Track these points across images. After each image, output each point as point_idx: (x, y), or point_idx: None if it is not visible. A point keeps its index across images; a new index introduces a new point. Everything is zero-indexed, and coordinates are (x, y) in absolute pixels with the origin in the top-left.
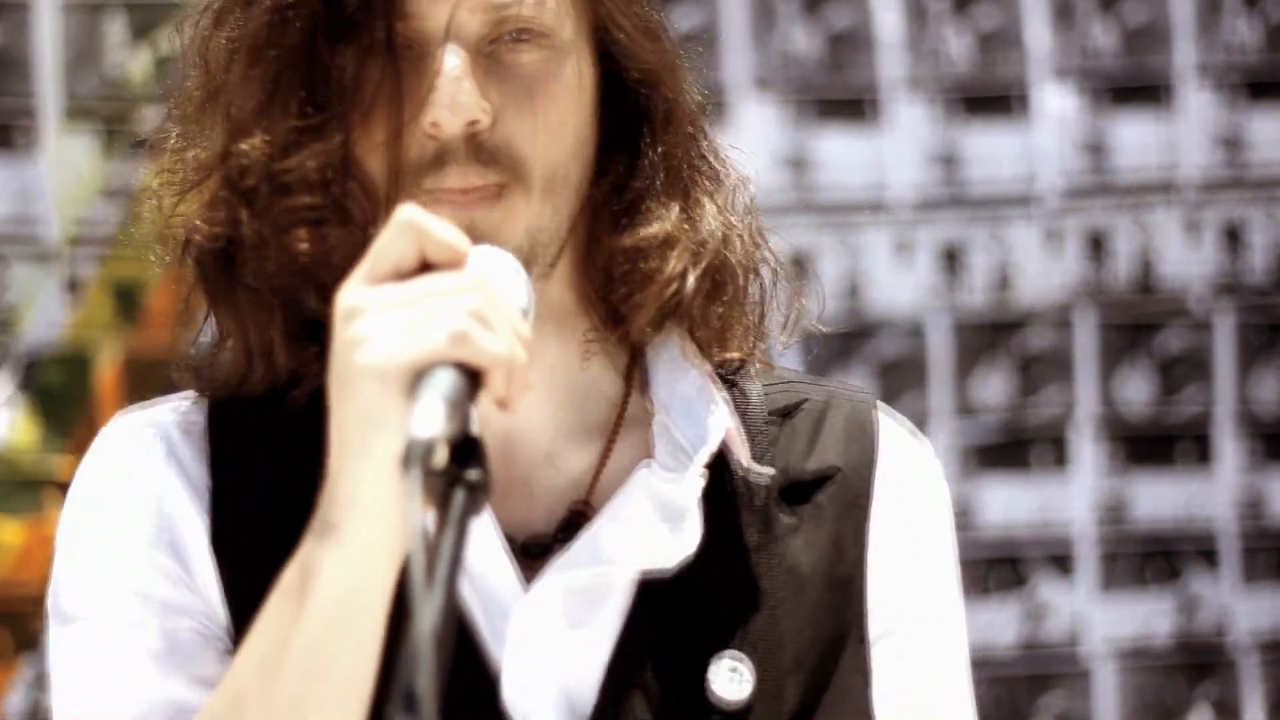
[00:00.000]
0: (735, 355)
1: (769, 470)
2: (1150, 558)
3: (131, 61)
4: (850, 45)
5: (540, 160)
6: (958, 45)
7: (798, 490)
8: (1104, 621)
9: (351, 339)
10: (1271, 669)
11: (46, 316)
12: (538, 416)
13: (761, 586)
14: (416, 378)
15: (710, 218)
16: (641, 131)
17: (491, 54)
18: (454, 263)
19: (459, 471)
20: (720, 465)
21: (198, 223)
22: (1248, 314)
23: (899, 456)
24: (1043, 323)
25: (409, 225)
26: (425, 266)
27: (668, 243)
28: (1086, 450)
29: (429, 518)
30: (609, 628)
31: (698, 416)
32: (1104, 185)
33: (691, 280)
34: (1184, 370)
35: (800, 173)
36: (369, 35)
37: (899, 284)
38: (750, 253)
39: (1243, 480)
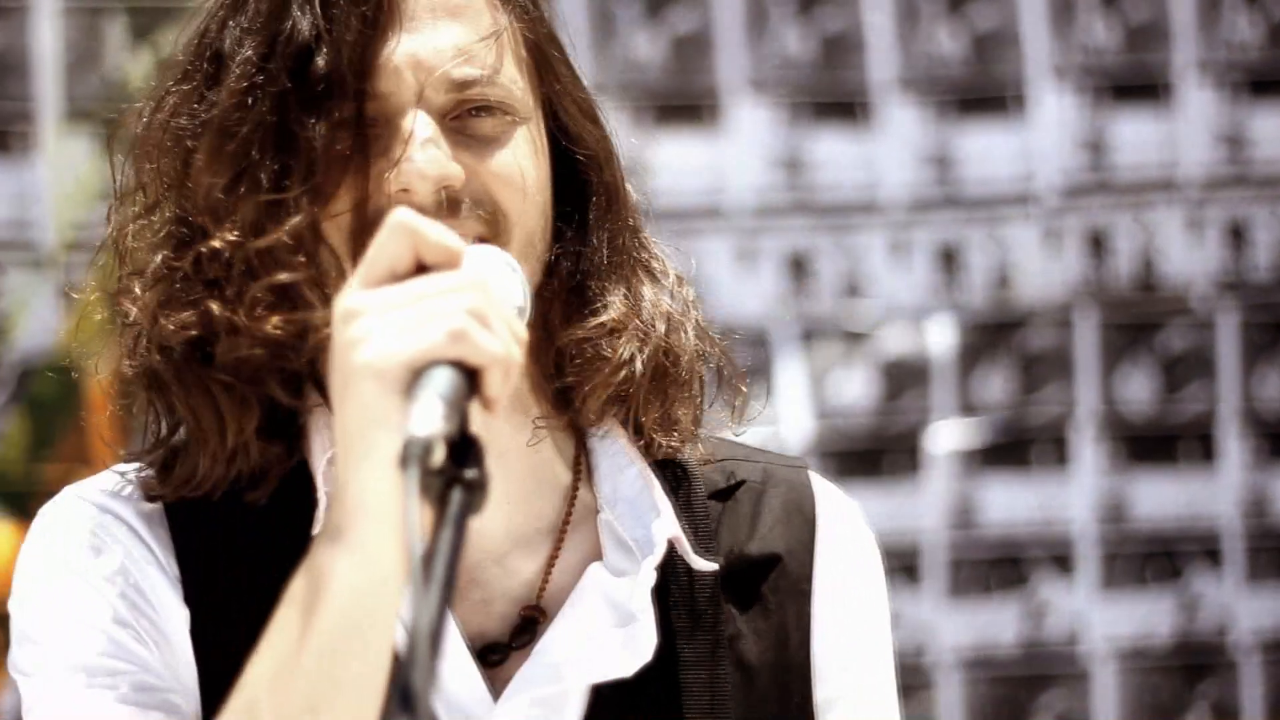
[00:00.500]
0: (677, 443)
1: (713, 566)
2: (1151, 557)
3: (132, 63)
4: (843, 47)
5: (517, 220)
6: (951, 46)
7: (741, 578)
8: (1104, 621)
9: (350, 339)
10: (1273, 669)
11: (40, 324)
12: (494, 518)
13: (714, 684)
14: (415, 376)
15: (652, 305)
16: (588, 214)
17: (456, 125)
18: (449, 263)
19: (457, 470)
20: (667, 563)
21: (162, 320)
22: (1251, 312)
23: (836, 532)
24: (1043, 322)
25: (403, 227)
26: (421, 268)
27: (616, 329)
28: (1087, 449)
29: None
30: None
31: (642, 517)
32: (1103, 183)
33: (640, 364)
34: (1187, 369)
35: (795, 174)
36: (338, 111)
37: (896, 284)
38: (695, 343)
39: (1246, 479)
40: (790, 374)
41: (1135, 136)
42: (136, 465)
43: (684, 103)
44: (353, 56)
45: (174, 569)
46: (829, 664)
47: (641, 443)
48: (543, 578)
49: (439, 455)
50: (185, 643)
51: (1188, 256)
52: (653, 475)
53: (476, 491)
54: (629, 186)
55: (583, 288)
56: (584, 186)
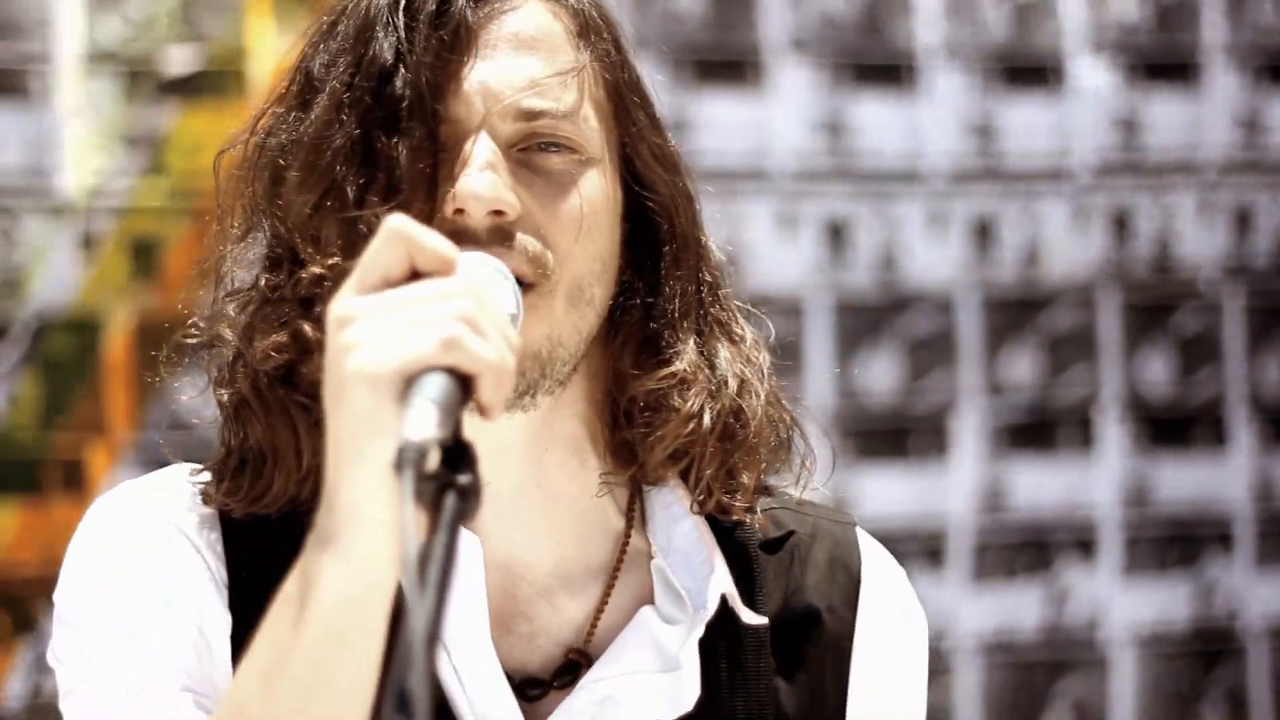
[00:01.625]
0: (737, 504)
1: (762, 621)
2: (1172, 542)
3: (154, 3)
4: (888, 8)
5: (567, 263)
6: (995, 14)
7: (785, 632)
8: (1124, 607)
9: (343, 345)
10: None
11: (57, 277)
12: (541, 549)
13: None
14: (408, 383)
15: (726, 362)
16: (660, 263)
17: (522, 159)
18: (443, 270)
19: (451, 476)
20: (717, 614)
21: (257, 342)
22: (1256, 298)
23: (880, 593)
24: (1068, 301)
25: (396, 233)
26: (414, 275)
27: (686, 381)
28: (1111, 432)
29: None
30: None
31: (696, 569)
32: (1132, 163)
33: (708, 419)
34: (1200, 352)
35: (836, 137)
36: (415, 132)
37: (932, 257)
38: (767, 409)
39: (1255, 464)
40: (820, 347)
41: (1165, 117)
42: (198, 468)
43: (725, 59)
44: (429, 80)
45: (223, 575)
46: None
47: (700, 497)
48: (592, 620)
49: (433, 460)
50: (225, 649)
51: (1199, 240)
52: (708, 528)
53: (470, 497)
54: (710, 244)
55: (654, 338)
56: (657, 235)
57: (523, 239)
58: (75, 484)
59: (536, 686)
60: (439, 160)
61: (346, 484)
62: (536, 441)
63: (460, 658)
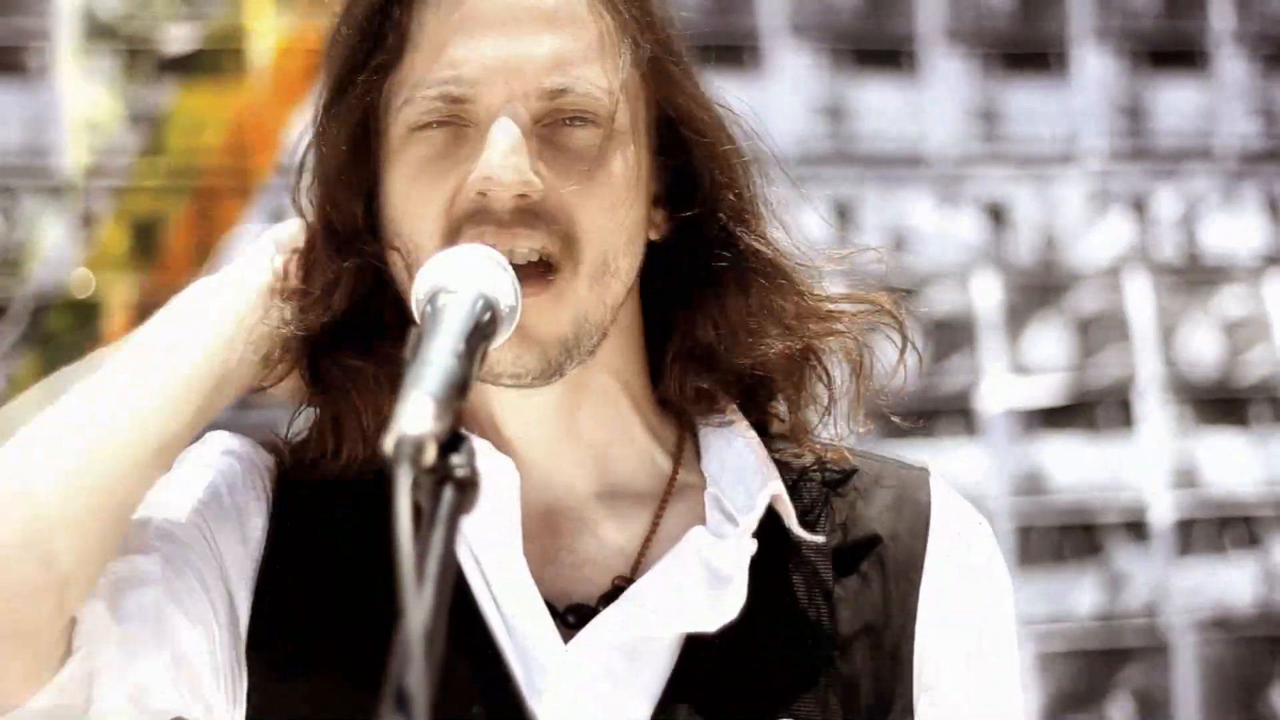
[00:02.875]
0: (795, 432)
1: (818, 539)
2: (1228, 523)
3: None
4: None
5: (593, 239)
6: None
7: (845, 556)
8: (1182, 591)
9: None
10: None
11: (56, 255)
12: (585, 484)
13: (811, 654)
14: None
15: (779, 309)
16: (706, 223)
17: (545, 135)
18: None
19: (449, 469)
20: (770, 532)
21: (324, 301)
22: None
23: (953, 530)
24: (1093, 284)
25: None
26: None
27: (738, 328)
28: (1154, 413)
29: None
30: (650, 687)
31: (748, 483)
32: (1143, 149)
33: (768, 354)
34: (1246, 333)
35: (838, 122)
36: (427, 107)
37: (943, 240)
38: (822, 341)
39: None
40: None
41: (1172, 104)
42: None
43: (724, 44)
44: (446, 57)
45: (267, 513)
46: (936, 656)
47: (756, 425)
48: (640, 548)
49: (430, 454)
50: (248, 588)
51: (1228, 227)
52: (761, 445)
53: (468, 490)
54: (761, 194)
55: (698, 294)
56: (701, 196)
57: (547, 218)
58: None
59: (582, 613)
60: (460, 141)
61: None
62: (566, 400)
63: (498, 585)
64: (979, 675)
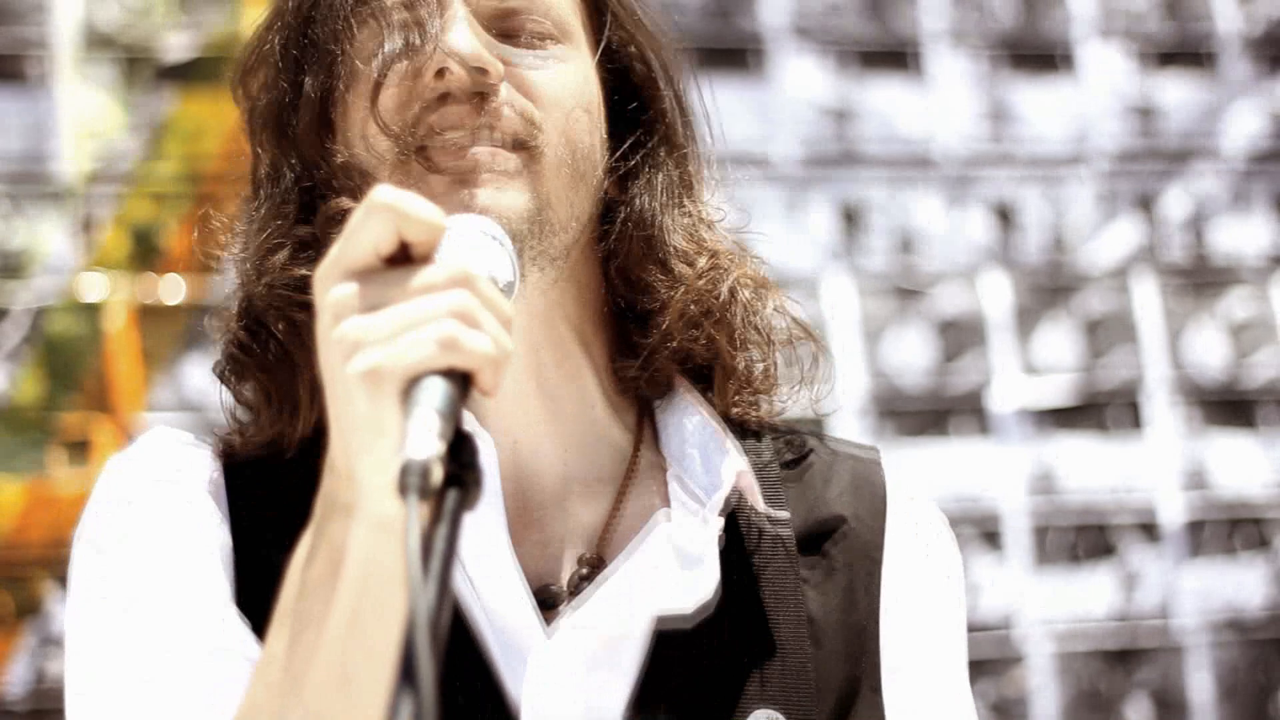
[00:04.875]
0: (748, 399)
1: (784, 514)
2: (1239, 525)
3: None
4: None
5: (555, 124)
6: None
7: (810, 539)
8: (1193, 593)
9: (340, 340)
10: None
11: (57, 261)
12: (550, 460)
13: (783, 637)
14: (409, 385)
15: (720, 256)
16: (646, 159)
17: (503, 31)
18: (431, 239)
19: (454, 469)
20: (735, 515)
21: (268, 261)
22: None
23: (907, 511)
24: (1102, 285)
25: (382, 205)
26: (403, 246)
27: (682, 275)
28: (1163, 415)
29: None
30: (628, 673)
31: (711, 464)
32: (1153, 149)
33: (710, 305)
34: (1252, 335)
35: (845, 124)
36: (385, 16)
37: (952, 241)
38: (760, 302)
39: None
40: (842, 329)
41: (1179, 103)
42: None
43: (729, 47)
44: None
45: (225, 509)
46: (898, 633)
47: (709, 397)
48: (603, 527)
49: (437, 476)
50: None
51: (1237, 227)
52: (721, 422)
53: (471, 489)
54: (691, 141)
55: (646, 236)
56: (640, 132)
57: (508, 97)
58: (80, 464)
59: (553, 594)
60: (417, 33)
61: (358, 468)
62: (530, 333)
63: (477, 570)
64: (938, 653)
